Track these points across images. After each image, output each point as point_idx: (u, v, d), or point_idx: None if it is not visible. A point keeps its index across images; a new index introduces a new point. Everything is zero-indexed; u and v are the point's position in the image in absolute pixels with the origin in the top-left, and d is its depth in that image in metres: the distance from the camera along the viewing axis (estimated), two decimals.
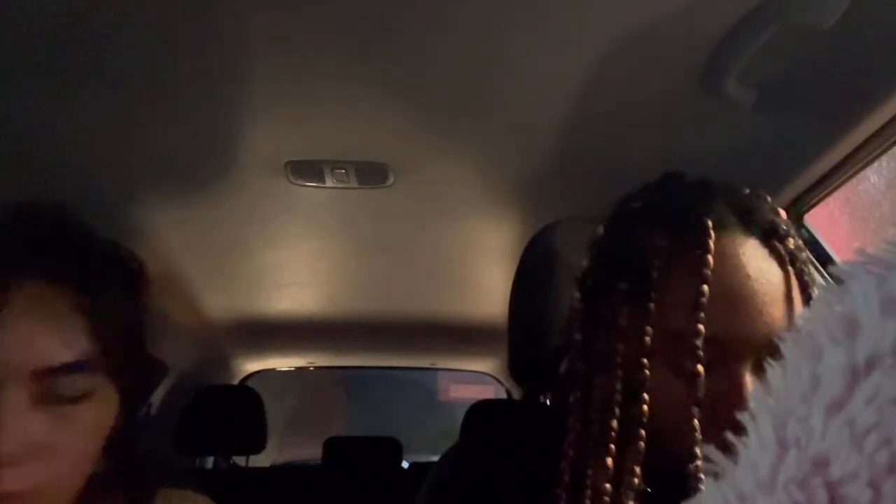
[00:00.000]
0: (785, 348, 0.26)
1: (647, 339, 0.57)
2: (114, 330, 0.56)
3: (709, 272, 0.55)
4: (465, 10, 0.79)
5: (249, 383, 2.74)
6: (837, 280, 0.25)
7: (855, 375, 0.22)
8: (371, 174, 1.20)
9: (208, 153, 1.13)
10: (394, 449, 2.40)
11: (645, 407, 0.56)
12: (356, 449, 2.47)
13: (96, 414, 0.55)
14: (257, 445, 2.15)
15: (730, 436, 0.26)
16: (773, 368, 0.26)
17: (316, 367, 3.08)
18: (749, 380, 0.54)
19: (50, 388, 0.52)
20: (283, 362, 2.90)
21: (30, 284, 0.53)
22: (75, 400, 0.54)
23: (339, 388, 6.15)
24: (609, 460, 0.56)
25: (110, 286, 0.58)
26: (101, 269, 0.58)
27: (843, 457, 0.22)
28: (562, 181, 1.20)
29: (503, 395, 2.95)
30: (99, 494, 0.58)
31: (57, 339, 0.53)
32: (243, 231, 1.47)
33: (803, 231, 1.20)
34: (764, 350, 0.53)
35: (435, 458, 1.00)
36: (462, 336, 2.27)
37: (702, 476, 0.52)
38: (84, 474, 0.56)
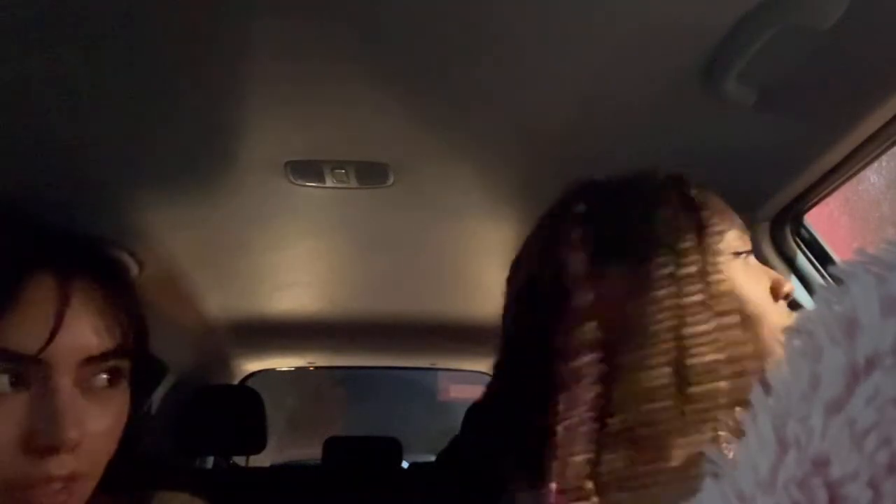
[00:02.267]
0: (785, 348, 0.26)
1: None
2: (131, 320, 0.59)
3: None
4: (464, 11, 0.79)
5: (249, 383, 2.74)
6: (837, 280, 0.25)
7: (855, 375, 0.22)
8: (371, 174, 1.20)
9: (208, 153, 1.13)
10: (394, 449, 2.40)
11: None
12: (356, 449, 2.47)
13: (122, 403, 0.58)
14: (257, 445, 2.15)
15: (730, 436, 0.26)
16: (773, 368, 0.26)
17: (316, 367, 3.08)
18: None
19: (90, 377, 0.55)
20: (283, 362, 2.90)
21: (61, 274, 0.55)
22: (109, 390, 0.57)
23: (339, 388, 6.15)
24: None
25: (124, 278, 0.62)
26: (114, 262, 0.62)
27: (843, 457, 0.22)
28: (562, 181, 1.20)
29: None
30: (101, 495, 0.59)
31: (101, 328, 0.56)
32: (243, 231, 1.47)
33: (803, 231, 1.20)
34: None
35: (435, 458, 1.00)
36: (462, 336, 2.27)
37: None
38: (104, 465, 0.57)
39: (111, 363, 0.56)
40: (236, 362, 2.62)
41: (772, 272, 0.70)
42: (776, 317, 0.66)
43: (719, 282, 0.64)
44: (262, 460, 2.50)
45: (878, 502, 0.21)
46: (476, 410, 1.99)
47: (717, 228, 0.67)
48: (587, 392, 0.61)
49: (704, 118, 0.98)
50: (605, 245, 0.67)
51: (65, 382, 0.53)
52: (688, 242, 0.65)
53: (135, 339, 0.59)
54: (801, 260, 1.19)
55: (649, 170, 0.75)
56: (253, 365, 2.75)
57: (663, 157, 1.10)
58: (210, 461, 2.44)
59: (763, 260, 1.20)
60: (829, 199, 1.13)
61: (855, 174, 1.03)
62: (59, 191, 1.17)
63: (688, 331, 0.62)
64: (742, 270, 0.67)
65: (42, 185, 1.13)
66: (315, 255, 1.67)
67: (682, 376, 0.60)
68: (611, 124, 1.03)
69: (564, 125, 1.03)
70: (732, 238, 0.68)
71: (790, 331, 0.26)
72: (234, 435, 2.11)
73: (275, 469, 3.01)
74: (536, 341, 0.66)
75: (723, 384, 0.60)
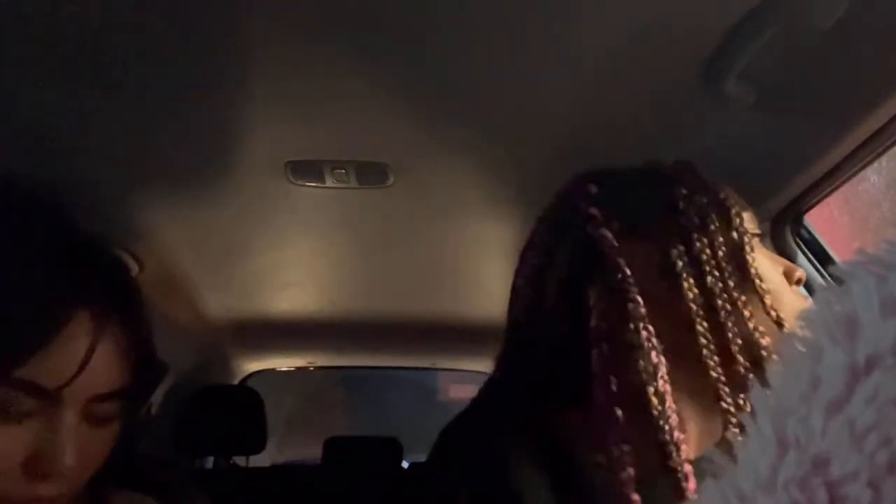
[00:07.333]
0: (785, 348, 0.26)
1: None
2: (143, 357, 0.61)
3: None
4: (465, 11, 0.79)
5: (249, 383, 2.74)
6: (837, 280, 0.25)
7: (855, 375, 0.22)
8: (371, 174, 1.20)
9: (208, 153, 1.13)
10: (394, 449, 2.40)
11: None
12: (356, 449, 2.47)
13: (115, 433, 0.60)
14: (257, 445, 2.15)
15: (730, 436, 0.26)
16: (773, 368, 0.26)
17: (316, 367, 3.08)
18: None
19: (94, 409, 0.57)
20: (283, 362, 2.90)
21: (97, 313, 0.56)
22: (108, 421, 0.59)
23: (339, 388, 6.14)
24: None
25: (143, 314, 0.62)
26: (136, 297, 0.62)
27: (843, 457, 0.22)
28: (562, 181, 1.20)
29: None
30: None
31: (118, 368, 0.58)
32: (243, 231, 1.47)
33: (803, 231, 1.20)
34: None
35: None
36: (462, 336, 2.27)
37: None
38: (84, 485, 0.59)
39: (116, 401, 0.58)
40: (236, 362, 2.62)
41: (779, 257, 0.71)
42: (792, 299, 0.65)
43: (748, 263, 0.63)
44: (262, 460, 2.50)
45: (878, 502, 0.21)
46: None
47: (737, 209, 0.66)
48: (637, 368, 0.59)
49: (704, 118, 0.98)
50: (627, 223, 0.64)
51: (72, 415, 0.55)
52: (713, 222, 0.64)
53: (139, 376, 0.60)
54: (802, 260, 1.19)
55: (654, 161, 0.74)
56: (253, 365, 2.75)
57: (663, 156, 1.11)
58: (210, 461, 2.44)
59: None
60: (829, 199, 1.13)
61: (855, 174, 1.03)
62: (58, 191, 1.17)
63: (719, 314, 0.60)
64: (761, 252, 0.66)
65: (40, 184, 1.13)
66: (315, 255, 1.67)
67: (710, 358, 0.60)
68: (611, 124, 1.03)
69: (565, 125, 1.03)
70: (748, 220, 0.67)
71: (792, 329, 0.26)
72: (234, 435, 2.11)
73: (275, 469, 3.01)
74: (554, 325, 0.64)
75: (741, 366, 0.59)
